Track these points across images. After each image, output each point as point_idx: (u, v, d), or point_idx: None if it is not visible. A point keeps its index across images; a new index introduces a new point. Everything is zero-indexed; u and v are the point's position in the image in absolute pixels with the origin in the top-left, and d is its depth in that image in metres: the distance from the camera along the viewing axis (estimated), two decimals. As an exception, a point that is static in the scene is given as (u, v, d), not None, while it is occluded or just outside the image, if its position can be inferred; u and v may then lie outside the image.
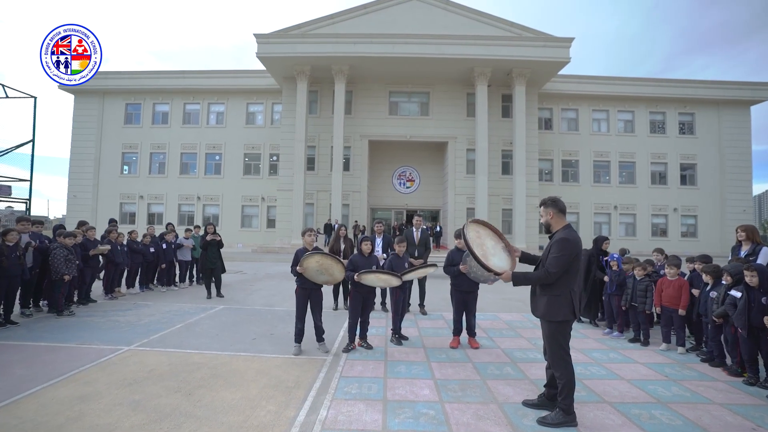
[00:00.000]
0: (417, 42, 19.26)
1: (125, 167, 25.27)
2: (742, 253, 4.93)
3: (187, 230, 9.35)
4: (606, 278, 5.60)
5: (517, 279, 2.93)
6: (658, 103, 24.10)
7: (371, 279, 4.44)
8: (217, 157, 24.63)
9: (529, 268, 3.07)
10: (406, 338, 5.09)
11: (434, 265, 5.04)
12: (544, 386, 3.16)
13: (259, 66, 21.11)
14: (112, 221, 9.19)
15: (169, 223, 9.49)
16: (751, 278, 3.69)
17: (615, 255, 5.83)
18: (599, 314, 6.05)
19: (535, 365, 4.15)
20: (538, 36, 19.85)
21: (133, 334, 5.00)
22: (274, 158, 23.86)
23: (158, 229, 9.73)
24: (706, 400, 3.32)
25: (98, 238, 7.58)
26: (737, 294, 3.83)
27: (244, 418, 2.87)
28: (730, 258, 5.15)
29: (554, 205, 3.00)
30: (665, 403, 3.25)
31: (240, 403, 3.11)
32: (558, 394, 2.89)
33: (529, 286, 3.09)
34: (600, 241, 6.13)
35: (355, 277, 4.37)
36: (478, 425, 2.83)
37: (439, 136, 22.08)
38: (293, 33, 19.85)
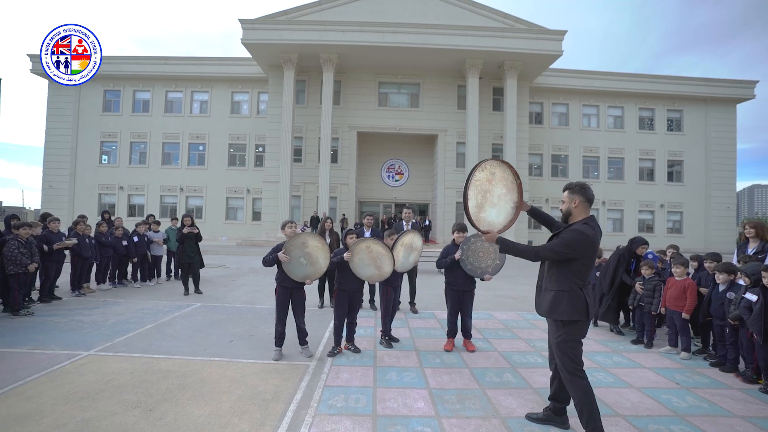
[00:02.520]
0: (408, 31, 18.76)
1: (104, 157, 24.22)
2: (750, 251, 4.71)
3: (154, 223, 8.83)
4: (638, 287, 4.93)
5: (504, 244, 2.62)
6: (648, 100, 24.13)
7: (362, 256, 4.09)
8: (201, 148, 23.80)
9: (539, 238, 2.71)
10: (396, 340, 4.73)
11: (417, 231, 4.75)
12: (549, 398, 2.81)
13: (245, 53, 20.36)
14: (104, 212, 8.58)
15: (151, 215, 8.95)
16: (771, 279, 3.42)
17: (651, 253, 5.42)
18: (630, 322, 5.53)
19: (538, 371, 3.83)
20: (531, 28, 19.54)
21: (95, 337, 4.52)
22: (260, 149, 23.17)
23: (132, 221, 9.13)
24: (727, 412, 3.04)
25: (65, 231, 7.02)
26: (753, 297, 3.56)
27: (211, 440, 2.47)
28: (736, 256, 4.93)
29: (582, 192, 2.57)
30: (683, 416, 2.96)
31: (208, 421, 2.71)
32: (579, 417, 2.49)
33: (530, 281, 2.78)
34: (636, 243, 5.28)
35: (345, 256, 4.06)
36: (481, 446, 2.49)
37: (429, 128, 21.69)
38: (280, 19, 19.13)
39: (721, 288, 4.05)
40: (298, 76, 20.57)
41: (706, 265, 4.47)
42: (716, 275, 4.09)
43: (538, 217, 2.90)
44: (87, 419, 2.67)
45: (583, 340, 2.59)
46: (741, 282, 3.93)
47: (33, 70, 23.15)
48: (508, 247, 2.61)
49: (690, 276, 4.69)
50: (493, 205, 2.71)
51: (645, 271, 4.81)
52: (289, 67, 19.61)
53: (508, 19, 19.79)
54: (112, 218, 8.52)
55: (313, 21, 18.99)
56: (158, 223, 8.93)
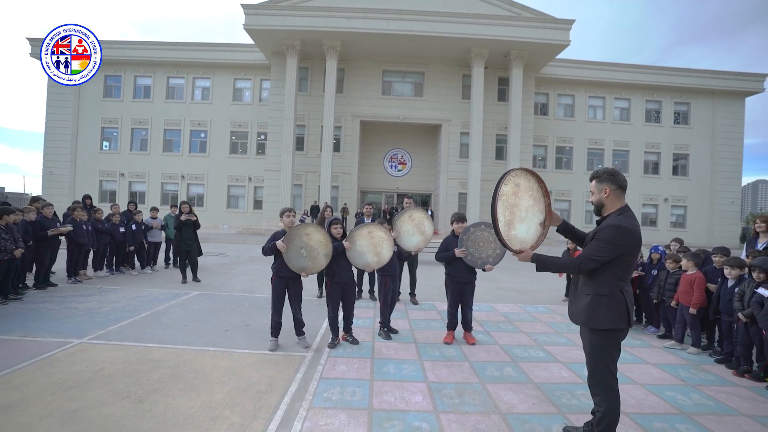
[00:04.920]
0: (413, 19, 18.38)
1: (105, 143, 24.07)
2: (759, 246, 4.57)
3: (152, 209, 8.78)
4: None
5: (540, 262, 2.32)
6: (655, 92, 23.70)
7: (362, 243, 4.00)
8: (203, 135, 23.60)
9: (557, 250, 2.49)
10: (395, 332, 4.65)
11: (424, 209, 4.74)
12: (592, 412, 2.45)
13: (248, 40, 20.04)
14: (86, 197, 8.49)
15: (132, 202, 8.86)
16: (785, 275, 3.30)
17: (659, 247, 5.34)
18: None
19: (539, 365, 3.75)
20: (538, 17, 19.10)
21: (89, 324, 4.46)
22: (262, 137, 22.95)
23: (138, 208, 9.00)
24: (733, 411, 2.94)
25: (60, 216, 6.94)
26: (766, 292, 3.44)
27: (200, 433, 2.39)
28: (745, 251, 4.80)
29: (612, 179, 2.26)
30: (688, 414, 2.87)
31: (199, 413, 2.63)
32: (595, 423, 2.31)
33: (561, 285, 2.54)
34: None
35: (346, 244, 3.99)
36: (479, 444, 2.40)
37: (432, 118, 21.39)
38: (283, 4, 18.74)
39: (730, 283, 3.92)
40: (301, 63, 20.28)
41: (715, 260, 4.34)
42: (726, 270, 3.96)
43: (569, 233, 2.58)
44: (74, 409, 2.60)
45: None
46: (746, 277, 3.81)
47: (33, 54, 22.88)
48: (545, 265, 2.34)
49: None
50: (522, 220, 2.45)
51: (669, 265, 4.68)
52: (292, 54, 19.31)
53: (514, 7, 19.33)
54: (95, 204, 8.40)
55: (317, 7, 18.61)
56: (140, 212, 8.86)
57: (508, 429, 2.59)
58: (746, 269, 3.83)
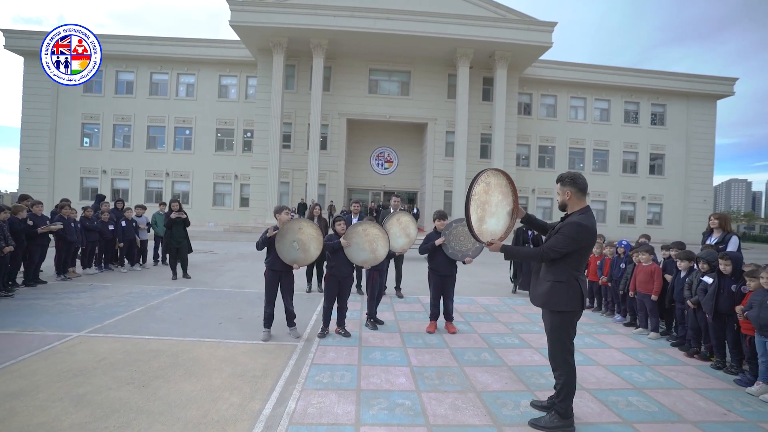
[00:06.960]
0: (400, 18, 18.63)
1: (86, 139, 23.61)
2: (712, 240, 5.01)
3: (137, 207, 8.88)
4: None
5: (508, 252, 2.65)
6: (633, 93, 24.54)
7: (359, 240, 4.27)
8: (188, 132, 23.39)
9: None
10: (381, 323, 4.93)
11: (409, 212, 5.05)
12: (555, 387, 2.72)
13: (234, 36, 19.95)
14: (101, 197, 8.59)
15: (119, 200, 8.94)
16: (725, 266, 3.70)
17: (624, 242, 5.76)
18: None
19: (513, 351, 4.08)
20: (522, 19, 19.59)
21: (85, 319, 4.60)
22: (248, 134, 22.91)
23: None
24: (679, 385, 3.33)
25: (48, 214, 6.97)
26: (709, 280, 3.86)
27: (203, 412, 2.62)
28: (701, 244, 5.24)
29: (573, 183, 2.57)
30: (640, 389, 3.23)
31: (200, 396, 2.86)
32: (555, 394, 2.66)
33: (526, 274, 2.85)
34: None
35: (342, 242, 4.23)
36: (456, 416, 2.70)
37: (418, 117, 21.72)
38: (270, 1, 18.75)
39: (683, 274, 4.34)
40: (288, 60, 20.31)
41: (672, 253, 4.75)
42: (678, 263, 4.37)
43: (532, 224, 2.90)
44: (82, 394, 2.79)
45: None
46: (696, 268, 4.22)
47: (7, 46, 22.33)
48: (512, 254, 2.65)
49: (661, 264, 4.98)
50: (492, 214, 2.73)
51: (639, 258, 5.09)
52: (279, 52, 19.33)
53: (499, 9, 19.78)
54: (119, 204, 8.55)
55: (304, 4, 18.67)
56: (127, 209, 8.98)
57: (482, 404, 2.90)
58: (695, 261, 4.24)
